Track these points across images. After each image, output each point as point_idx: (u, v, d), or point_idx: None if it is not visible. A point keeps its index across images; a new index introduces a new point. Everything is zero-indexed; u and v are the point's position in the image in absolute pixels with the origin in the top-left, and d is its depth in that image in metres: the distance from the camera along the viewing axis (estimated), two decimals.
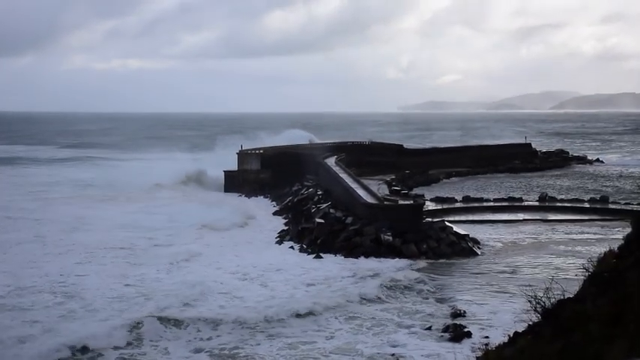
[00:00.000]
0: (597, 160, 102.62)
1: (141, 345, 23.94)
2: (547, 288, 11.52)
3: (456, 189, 67.53)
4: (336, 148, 78.19)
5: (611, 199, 56.55)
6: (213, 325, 25.62)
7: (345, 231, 40.91)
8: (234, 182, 70.62)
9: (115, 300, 29.16)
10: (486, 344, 23.02)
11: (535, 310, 11.25)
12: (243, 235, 45.78)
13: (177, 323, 25.69)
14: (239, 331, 25.32)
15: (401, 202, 46.85)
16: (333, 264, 36.49)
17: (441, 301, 29.71)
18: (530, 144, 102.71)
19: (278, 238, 44.12)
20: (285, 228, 47.51)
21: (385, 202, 44.49)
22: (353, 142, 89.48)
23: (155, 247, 40.92)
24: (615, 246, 11.90)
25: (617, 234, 39.66)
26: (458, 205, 54.66)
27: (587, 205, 54.84)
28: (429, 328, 25.82)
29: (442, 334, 25.17)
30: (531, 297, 11.37)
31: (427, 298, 30.13)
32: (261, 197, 65.40)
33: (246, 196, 66.88)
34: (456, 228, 42.12)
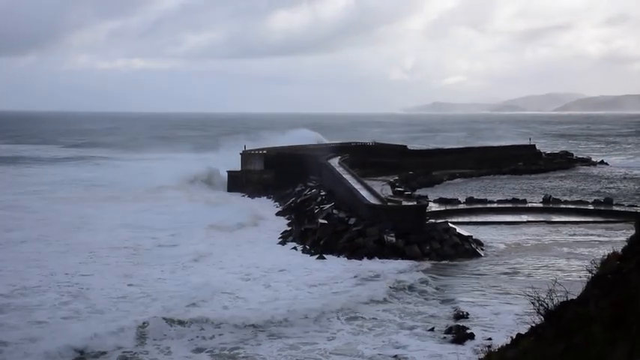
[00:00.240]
0: (601, 162, 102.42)
1: (144, 344, 23.98)
2: (550, 290, 11.49)
3: (459, 190, 67.48)
4: (340, 149, 78.18)
5: (615, 201, 56.46)
6: (216, 325, 25.61)
7: (348, 232, 40.86)
8: (238, 182, 70.71)
9: (119, 300, 29.23)
10: (489, 346, 22.98)
11: (538, 312, 11.22)
12: (247, 235, 45.77)
13: (180, 323, 25.68)
14: (241, 331, 25.33)
15: (404, 203, 46.80)
16: (335, 265, 36.47)
17: (443, 302, 29.66)
18: (534, 145, 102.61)
19: (281, 239, 44.10)
20: (288, 229, 47.49)
21: (388, 203, 44.42)
22: (356, 143, 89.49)
23: (159, 247, 41.03)
24: (619, 248, 11.85)
25: (621, 236, 39.58)
26: (461, 206, 54.62)
27: (591, 207, 54.73)
28: (432, 330, 25.78)
29: (445, 335, 25.12)
30: (534, 299, 11.34)
31: (430, 300, 30.09)
32: (264, 198, 65.44)
33: (249, 196, 66.94)
34: (459, 229, 42.05)
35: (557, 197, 59.14)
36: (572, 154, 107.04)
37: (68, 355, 22.59)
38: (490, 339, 23.92)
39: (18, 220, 50.28)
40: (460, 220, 48.17)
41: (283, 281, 32.80)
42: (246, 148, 75.17)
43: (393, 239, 38.93)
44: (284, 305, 28.44)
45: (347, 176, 54.83)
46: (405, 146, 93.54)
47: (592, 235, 44.74)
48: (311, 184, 61.47)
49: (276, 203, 61.45)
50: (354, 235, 40.16)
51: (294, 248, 41.17)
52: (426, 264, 36.63)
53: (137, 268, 35.38)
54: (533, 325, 11.47)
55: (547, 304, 11.14)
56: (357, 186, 49.59)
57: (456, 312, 27.77)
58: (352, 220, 42.40)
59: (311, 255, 38.91)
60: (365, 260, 37.34)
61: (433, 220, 42.77)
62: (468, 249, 39.42)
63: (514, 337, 12.50)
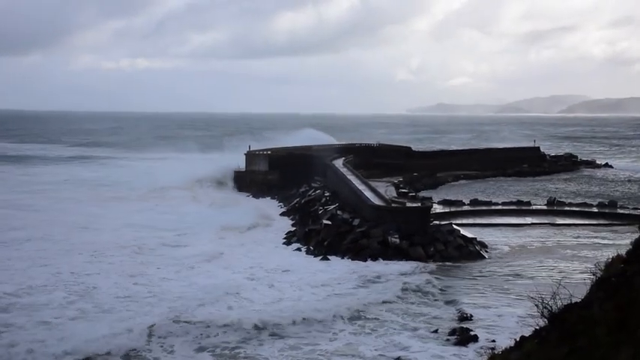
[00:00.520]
0: (606, 164, 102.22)
1: (149, 343, 24.12)
2: (554, 292, 11.49)
3: (463, 192, 67.43)
4: (344, 150, 78.21)
5: (619, 204, 56.36)
6: (220, 325, 25.73)
7: (352, 233, 40.87)
8: (242, 183, 70.86)
9: (126, 300, 29.35)
10: (492, 348, 23.01)
11: (542, 315, 11.22)
12: (251, 236, 45.85)
13: (185, 323, 25.87)
14: (244, 331, 25.43)
15: (408, 204, 46.77)
16: (339, 266, 36.49)
17: (447, 304, 29.67)
18: (538, 147, 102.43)
19: (285, 240, 44.14)
20: (293, 229, 47.52)
21: (393, 205, 44.42)
22: (361, 144, 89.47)
23: (164, 247, 41.20)
24: (623, 251, 11.84)
25: (625, 239, 39.25)
26: (466, 208, 54.58)
27: (595, 209, 54.63)
28: (436, 331, 25.78)
29: (448, 337, 25.12)
30: (538, 301, 11.34)
31: (434, 301, 30.09)
32: (269, 198, 65.47)
33: (253, 196, 67.07)
34: (463, 231, 42.04)
35: (561, 200, 59.04)
36: (577, 157, 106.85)
37: (76, 356, 22.64)
38: (494, 341, 23.96)
39: (23, 219, 50.48)
40: (464, 221, 48.12)
41: (287, 282, 32.86)
42: (251, 149, 75.28)
43: (397, 240, 38.93)
44: (287, 306, 28.54)
45: (351, 177, 54.87)
46: (410, 147, 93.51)
47: (596, 237, 44.66)
48: (315, 184, 61.53)
49: (281, 204, 61.50)
50: (358, 236, 40.16)
51: (299, 249, 41.21)
52: (430, 265, 36.62)
53: (142, 267, 35.53)
54: (537, 327, 11.47)
55: (551, 306, 11.15)
56: (362, 187, 49.61)
57: (459, 314, 27.78)
58: (356, 221, 42.41)
59: (315, 256, 38.95)
60: (369, 261, 37.35)
61: (437, 222, 42.74)
62: (472, 251, 39.39)
63: (518, 339, 12.50)
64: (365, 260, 37.56)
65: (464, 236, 40.89)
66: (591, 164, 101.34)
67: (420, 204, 47.97)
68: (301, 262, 37.70)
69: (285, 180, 68.09)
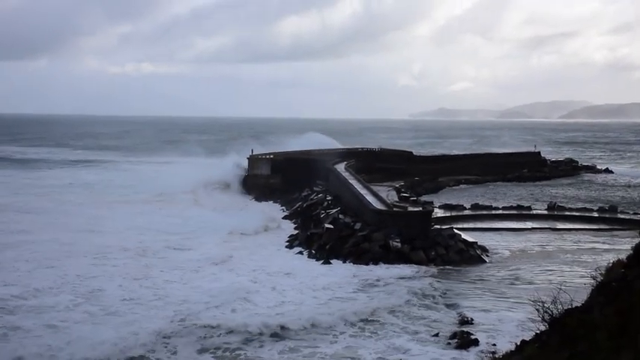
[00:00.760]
0: (606, 169, 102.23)
1: (155, 345, 24.27)
2: (555, 297, 11.61)
3: (464, 196, 67.50)
4: (346, 154, 78.37)
5: (619, 209, 56.44)
6: (222, 327, 25.84)
7: (353, 237, 40.99)
8: (245, 186, 71.11)
9: (131, 302, 29.51)
10: (493, 352, 23.13)
11: (542, 319, 11.35)
12: (255, 239, 45.92)
13: (189, 325, 26.03)
14: (245, 334, 25.55)
15: (410, 208, 46.85)
16: (341, 270, 36.61)
17: (448, 307, 29.78)
18: (539, 152, 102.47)
19: (287, 243, 44.27)
20: (295, 233, 47.64)
21: (394, 209, 44.53)
22: (363, 149, 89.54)
23: (169, 251, 41.31)
24: (624, 256, 11.96)
25: (625, 244, 39.57)
26: (467, 212, 54.67)
27: (596, 214, 54.73)
28: (436, 335, 25.90)
29: (449, 341, 25.22)
30: (539, 305, 11.46)
31: (434, 305, 30.18)
32: (271, 202, 65.57)
33: (255, 200, 67.26)
34: (464, 235, 42.16)
35: (561, 204, 59.13)
36: (577, 162, 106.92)
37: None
38: (494, 345, 24.09)
39: (28, 221, 50.63)
40: (465, 226, 48.25)
41: (289, 285, 32.98)
42: (253, 153, 75.39)
43: (399, 244, 39.04)
44: (289, 309, 28.69)
45: (353, 181, 54.98)
46: (411, 152, 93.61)
47: (596, 242, 44.74)
48: (317, 188, 61.64)
49: (283, 207, 61.61)
50: (359, 240, 40.28)
51: (300, 252, 41.34)
52: (431, 269, 36.71)
53: (147, 270, 35.67)
54: (538, 331, 11.59)
55: (552, 311, 11.27)
56: (363, 191, 49.73)
57: (460, 317, 27.88)
58: (358, 225, 42.53)
59: (317, 259, 39.08)
60: (370, 265, 37.44)
61: (439, 226, 42.87)
62: (473, 255, 39.50)
63: (518, 343, 12.64)
64: (366, 264, 37.66)
65: (465, 240, 41.02)
66: (592, 169, 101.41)
67: (421, 208, 48.03)
68: (303, 265, 37.84)
69: (287, 184, 68.24)
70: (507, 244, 43.54)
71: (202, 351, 24.08)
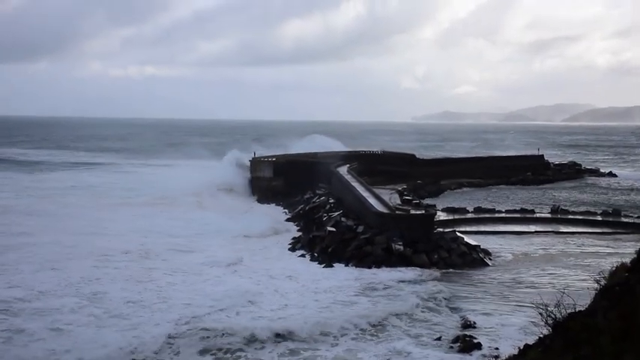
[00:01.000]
0: (610, 173, 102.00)
1: (159, 348, 24.27)
2: (558, 301, 11.51)
3: (467, 200, 67.43)
4: (349, 157, 78.27)
5: (623, 213, 56.25)
6: (225, 330, 25.77)
7: (356, 240, 40.92)
8: (252, 189, 71.28)
9: (135, 305, 29.47)
10: (496, 356, 23.03)
11: (546, 323, 11.25)
12: (257, 242, 45.92)
13: (192, 328, 26.05)
14: (248, 336, 25.49)
15: (412, 211, 46.79)
16: (343, 273, 36.56)
17: (451, 311, 29.69)
18: (542, 156, 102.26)
19: (290, 246, 44.22)
20: (297, 235, 47.59)
21: (397, 212, 44.47)
22: (365, 152, 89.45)
23: (171, 253, 41.24)
24: (627, 259, 11.88)
25: (629, 247, 39.51)
26: (469, 215, 54.56)
27: (599, 217, 54.54)
28: (439, 339, 25.80)
29: (452, 344, 25.12)
30: (542, 309, 11.36)
31: (437, 308, 30.07)
32: (273, 204, 65.54)
33: (258, 202, 67.33)
34: (467, 239, 42.05)
35: (565, 208, 58.98)
36: (581, 165, 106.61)
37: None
38: (497, 349, 24.00)
39: (31, 224, 50.63)
40: (468, 229, 48.13)
41: (291, 288, 32.97)
42: (256, 155, 75.38)
43: (401, 247, 38.96)
44: (291, 312, 28.70)
45: (355, 184, 54.93)
46: (414, 155, 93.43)
47: (600, 246, 44.59)
48: (320, 191, 61.60)
49: (285, 210, 61.57)
50: (362, 243, 40.21)
51: (303, 255, 41.29)
52: (434, 273, 36.62)
53: (150, 273, 35.66)
54: (541, 335, 11.51)
55: (555, 315, 11.18)
56: (366, 194, 49.67)
57: (463, 321, 27.79)
58: (360, 228, 42.47)
59: (319, 262, 39.02)
60: (372, 268, 37.38)
61: (441, 229, 42.77)
62: (476, 258, 39.40)
63: (521, 347, 12.54)
64: (369, 267, 37.59)
65: (467, 244, 40.92)
66: (595, 173, 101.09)
67: (423, 211, 47.94)
68: (305, 268, 37.80)
69: (289, 186, 68.23)
70: (510, 248, 43.43)
71: (204, 352, 24.13)
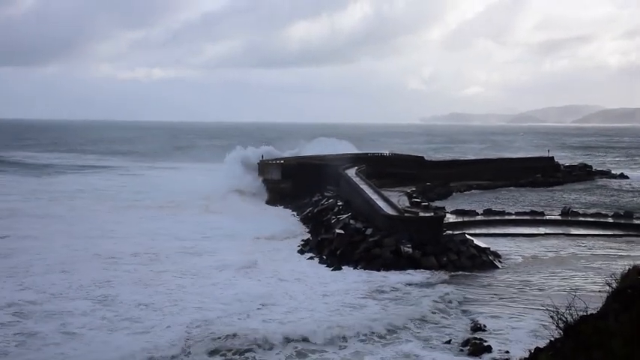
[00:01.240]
0: (621, 174, 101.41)
1: (170, 350, 24.22)
2: (569, 303, 11.36)
3: (477, 202, 67.18)
4: (357, 159, 78.17)
5: (635, 215, 55.83)
6: (236, 333, 25.71)
7: (364, 242, 40.81)
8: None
9: (146, 308, 29.50)
10: (507, 359, 22.85)
11: (557, 326, 11.11)
12: (267, 244, 45.86)
13: (204, 331, 26.07)
14: (255, 339, 25.42)
15: (421, 214, 46.64)
16: (352, 276, 36.46)
17: (460, 314, 29.55)
18: (552, 157, 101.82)
19: (299, 248, 44.17)
20: (306, 238, 47.53)
21: (405, 214, 44.35)
22: (374, 154, 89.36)
23: (182, 256, 41.26)
24: (639, 262, 11.72)
25: None
26: (479, 217, 54.32)
27: (610, 220, 54.16)
28: (448, 342, 25.64)
29: (462, 347, 24.95)
30: (553, 312, 11.22)
31: (446, 311, 29.92)
32: (282, 207, 65.54)
33: (266, 203, 67.45)
34: (476, 241, 41.87)
35: (575, 210, 58.66)
36: (591, 167, 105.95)
37: None
38: (507, 352, 23.83)
39: (40, 226, 50.85)
40: (477, 231, 47.86)
41: (300, 291, 32.88)
42: (264, 158, 75.42)
43: (410, 250, 38.82)
44: (301, 316, 28.60)
45: (364, 186, 54.83)
46: (422, 157, 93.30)
47: (611, 248, 44.25)
48: (328, 194, 61.54)
49: (294, 213, 61.54)
50: (370, 246, 40.09)
51: (311, 258, 41.21)
52: (443, 275, 36.47)
53: (161, 276, 35.66)
54: (552, 339, 11.37)
55: (566, 317, 11.03)
56: (374, 196, 49.56)
57: (472, 324, 27.61)
58: (369, 231, 42.35)
59: (328, 265, 38.93)
60: (381, 271, 37.24)
61: (450, 232, 42.62)
62: (486, 261, 39.20)
63: (532, 350, 12.41)
64: (378, 270, 37.45)
65: (477, 246, 40.72)
66: (606, 174, 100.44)
67: (432, 213, 47.80)
68: (314, 271, 37.72)
69: (297, 189, 68.17)
70: (520, 250, 43.17)
71: (214, 353, 24.16)
